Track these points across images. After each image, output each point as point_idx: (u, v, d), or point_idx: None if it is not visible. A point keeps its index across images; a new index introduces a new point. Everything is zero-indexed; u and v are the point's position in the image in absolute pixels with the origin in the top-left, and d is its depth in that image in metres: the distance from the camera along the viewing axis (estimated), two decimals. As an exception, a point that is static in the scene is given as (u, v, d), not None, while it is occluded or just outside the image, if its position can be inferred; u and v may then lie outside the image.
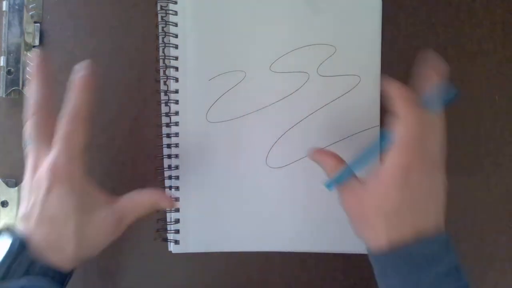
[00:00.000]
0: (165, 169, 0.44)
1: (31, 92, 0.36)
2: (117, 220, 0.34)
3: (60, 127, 0.34)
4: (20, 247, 0.31)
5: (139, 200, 0.36)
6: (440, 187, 0.33)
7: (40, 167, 0.33)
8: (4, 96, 0.44)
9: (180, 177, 0.44)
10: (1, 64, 0.44)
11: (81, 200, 0.33)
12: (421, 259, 0.30)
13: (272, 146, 0.44)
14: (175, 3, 0.44)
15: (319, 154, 0.37)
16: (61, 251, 0.32)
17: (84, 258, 0.34)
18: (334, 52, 0.45)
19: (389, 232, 0.31)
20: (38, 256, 0.31)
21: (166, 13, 0.44)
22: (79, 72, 0.35)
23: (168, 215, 0.44)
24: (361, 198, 0.32)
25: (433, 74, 0.33)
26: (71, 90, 0.36)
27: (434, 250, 0.31)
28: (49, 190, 0.32)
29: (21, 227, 0.33)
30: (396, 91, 0.32)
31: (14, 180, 0.45)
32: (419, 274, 0.29)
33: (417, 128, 0.31)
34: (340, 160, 0.36)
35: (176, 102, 0.44)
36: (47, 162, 0.32)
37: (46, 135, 0.34)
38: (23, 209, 0.33)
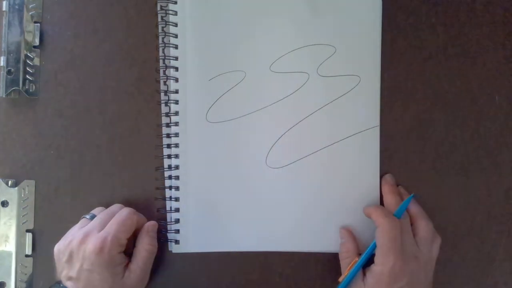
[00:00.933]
0: (165, 169, 0.44)
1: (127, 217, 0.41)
2: (139, 277, 0.41)
3: (118, 214, 0.41)
4: None
5: (143, 254, 0.41)
6: (427, 269, 0.40)
7: (89, 243, 0.38)
8: (4, 96, 0.44)
9: (180, 177, 0.44)
10: (1, 64, 0.44)
11: (116, 270, 0.39)
12: None
13: (272, 146, 0.44)
14: (175, 3, 0.44)
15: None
16: None
17: None
18: (334, 52, 0.45)
19: None
20: None
21: (166, 13, 0.44)
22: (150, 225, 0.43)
23: (168, 215, 0.44)
24: None
25: (392, 195, 0.43)
26: (156, 225, 0.43)
27: None
28: (94, 260, 0.38)
29: (69, 285, 0.39)
30: (372, 208, 0.42)
31: (14, 180, 0.45)
32: None
33: (392, 232, 0.39)
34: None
35: (176, 102, 0.44)
36: (97, 238, 0.38)
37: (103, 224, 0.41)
38: (71, 270, 0.39)
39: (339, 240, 0.43)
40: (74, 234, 0.40)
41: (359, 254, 0.42)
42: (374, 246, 0.40)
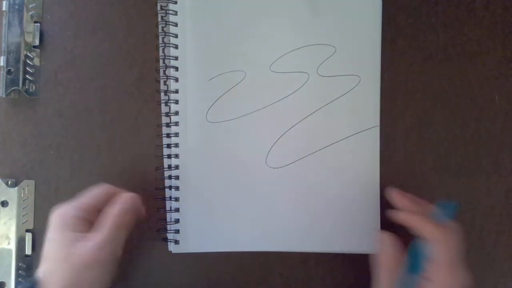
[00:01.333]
0: (165, 169, 0.44)
1: (101, 191, 0.39)
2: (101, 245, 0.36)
3: (111, 216, 0.37)
4: None
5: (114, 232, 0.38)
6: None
7: (81, 242, 0.36)
8: (4, 96, 0.44)
9: (180, 177, 0.44)
10: (1, 64, 0.44)
11: (103, 278, 0.37)
12: None
13: (272, 146, 0.44)
14: (175, 3, 0.44)
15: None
16: None
17: None
18: (334, 52, 0.45)
19: None
20: None
21: (166, 13, 0.44)
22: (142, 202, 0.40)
23: (168, 215, 0.44)
24: None
25: (420, 218, 0.37)
26: (135, 198, 0.39)
27: None
28: (85, 267, 0.35)
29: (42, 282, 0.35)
30: (409, 216, 0.37)
31: (14, 180, 0.45)
32: None
33: (450, 247, 0.34)
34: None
35: (176, 102, 0.44)
36: (92, 243, 0.35)
37: (91, 218, 0.38)
38: (48, 266, 0.35)
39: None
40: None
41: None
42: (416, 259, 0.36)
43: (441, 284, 0.34)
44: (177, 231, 0.44)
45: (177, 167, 0.44)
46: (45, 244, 0.37)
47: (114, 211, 0.38)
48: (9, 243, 0.44)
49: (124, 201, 0.39)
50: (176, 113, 0.44)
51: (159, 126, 0.45)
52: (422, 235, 0.36)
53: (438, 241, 0.35)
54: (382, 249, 0.39)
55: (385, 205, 0.45)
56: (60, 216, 0.37)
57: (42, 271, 0.36)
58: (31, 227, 0.45)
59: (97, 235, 0.36)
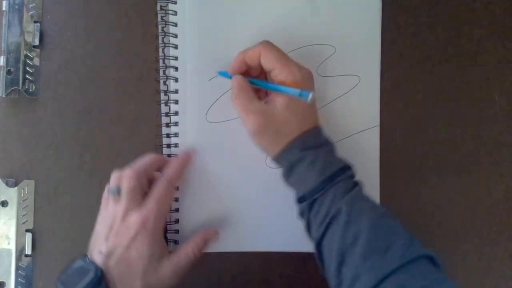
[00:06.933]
0: (165, 169, 0.44)
1: (146, 162, 0.41)
2: (175, 273, 0.39)
3: (156, 189, 0.40)
4: (98, 279, 0.36)
5: (190, 254, 0.41)
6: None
7: (131, 216, 0.38)
8: (4, 96, 0.44)
9: (180, 177, 0.44)
10: (1, 64, 0.44)
11: (155, 251, 0.38)
12: (314, 144, 0.38)
13: (272, 146, 0.44)
14: (175, 3, 0.44)
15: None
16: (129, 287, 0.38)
17: None
18: (334, 52, 0.44)
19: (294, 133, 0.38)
20: None
21: (166, 13, 0.44)
22: (187, 154, 0.43)
23: (168, 215, 0.44)
24: (275, 117, 0.38)
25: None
26: (173, 162, 0.42)
27: (322, 138, 0.39)
28: (135, 237, 0.38)
29: (99, 261, 0.37)
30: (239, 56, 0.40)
31: (14, 180, 0.45)
32: (317, 151, 0.38)
33: (276, 47, 0.39)
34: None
35: (176, 102, 0.44)
36: (140, 215, 0.38)
37: (141, 192, 0.40)
38: (105, 246, 0.38)
39: None
40: (113, 212, 0.39)
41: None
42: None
43: (286, 75, 0.37)
44: (177, 231, 0.44)
45: (177, 167, 0.44)
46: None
47: (193, 249, 0.41)
48: (9, 243, 0.44)
49: (207, 240, 0.42)
50: (176, 113, 0.44)
51: (159, 126, 0.44)
52: (249, 60, 0.39)
53: (262, 48, 0.38)
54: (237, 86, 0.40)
55: (385, 205, 0.45)
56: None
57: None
58: (31, 227, 0.45)
59: (177, 261, 0.40)
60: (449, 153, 0.46)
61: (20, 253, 0.44)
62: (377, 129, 0.45)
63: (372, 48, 0.45)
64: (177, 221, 0.44)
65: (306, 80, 0.38)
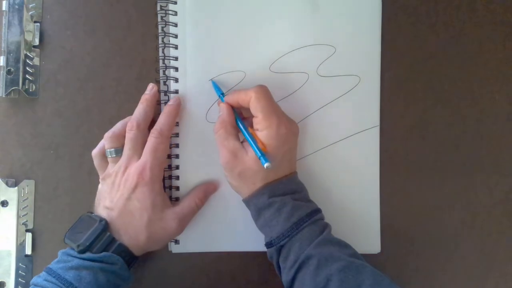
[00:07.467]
0: (165, 169, 0.44)
1: (139, 112, 0.42)
2: (179, 221, 0.41)
3: (149, 141, 0.41)
4: (102, 229, 0.38)
5: (192, 204, 0.42)
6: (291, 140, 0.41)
7: (129, 169, 0.40)
8: (4, 96, 0.44)
9: (180, 177, 0.44)
10: (1, 64, 0.44)
11: (156, 200, 0.40)
12: (283, 191, 0.39)
13: (272, 146, 0.44)
14: (175, 3, 0.44)
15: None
16: (134, 238, 0.39)
17: (150, 249, 0.41)
18: (334, 52, 0.44)
19: (263, 181, 0.40)
20: (116, 239, 0.39)
21: (166, 13, 0.44)
22: (172, 101, 0.43)
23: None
24: (243, 161, 0.40)
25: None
26: (162, 113, 0.42)
27: (292, 184, 0.41)
28: (134, 188, 0.39)
29: (104, 214, 0.40)
30: (230, 95, 0.41)
31: (14, 180, 0.45)
32: (284, 198, 0.39)
33: (268, 94, 0.40)
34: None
35: (176, 102, 0.44)
36: (136, 167, 0.40)
37: (139, 147, 0.41)
38: (108, 200, 0.40)
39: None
40: (116, 169, 0.41)
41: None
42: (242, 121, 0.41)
43: (264, 129, 0.39)
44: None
45: (177, 167, 0.44)
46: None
47: (196, 199, 0.42)
48: (9, 243, 0.44)
49: (208, 192, 0.44)
50: (176, 113, 0.44)
51: (159, 126, 0.44)
52: (241, 101, 0.40)
53: (254, 94, 0.39)
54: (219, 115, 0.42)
55: (385, 205, 0.45)
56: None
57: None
58: (31, 227, 0.45)
59: (179, 211, 0.41)
60: (449, 153, 0.46)
61: (20, 253, 0.44)
62: (377, 129, 0.45)
63: (372, 48, 0.45)
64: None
65: (283, 137, 0.39)
